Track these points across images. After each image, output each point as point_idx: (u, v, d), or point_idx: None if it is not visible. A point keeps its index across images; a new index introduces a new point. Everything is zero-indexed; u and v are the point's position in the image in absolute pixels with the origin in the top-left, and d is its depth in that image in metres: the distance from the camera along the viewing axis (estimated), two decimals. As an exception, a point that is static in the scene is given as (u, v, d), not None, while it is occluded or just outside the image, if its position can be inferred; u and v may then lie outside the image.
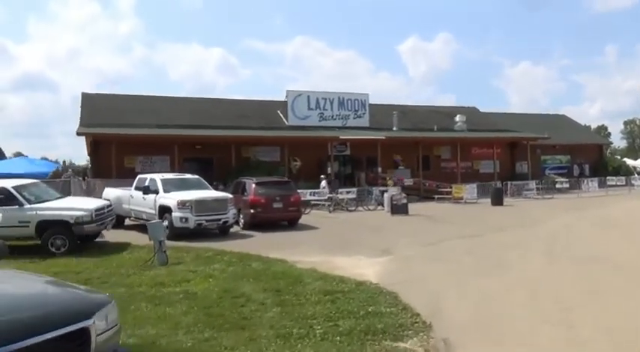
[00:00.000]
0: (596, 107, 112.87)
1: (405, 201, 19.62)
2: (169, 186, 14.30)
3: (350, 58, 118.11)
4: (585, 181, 29.21)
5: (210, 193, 14.13)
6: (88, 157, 27.29)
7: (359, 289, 7.23)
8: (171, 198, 13.55)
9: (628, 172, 36.50)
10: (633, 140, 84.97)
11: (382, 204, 21.59)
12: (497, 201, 23.43)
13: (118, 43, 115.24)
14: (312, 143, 28.71)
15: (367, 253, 11.05)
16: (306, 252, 11.37)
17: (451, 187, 25.81)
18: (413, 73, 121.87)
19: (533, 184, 27.97)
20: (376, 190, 23.69)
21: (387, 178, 26.87)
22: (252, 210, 15.26)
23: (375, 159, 29.05)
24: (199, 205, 13.44)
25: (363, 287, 7.33)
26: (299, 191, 23.03)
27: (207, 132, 26.28)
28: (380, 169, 29.07)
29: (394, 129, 31.82)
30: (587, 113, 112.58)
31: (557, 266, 9.21)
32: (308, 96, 31.02)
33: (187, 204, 13.30)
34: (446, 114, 35.76)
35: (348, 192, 22.57)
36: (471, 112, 36.95)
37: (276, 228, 15.40)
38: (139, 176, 15.70)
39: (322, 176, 24.56)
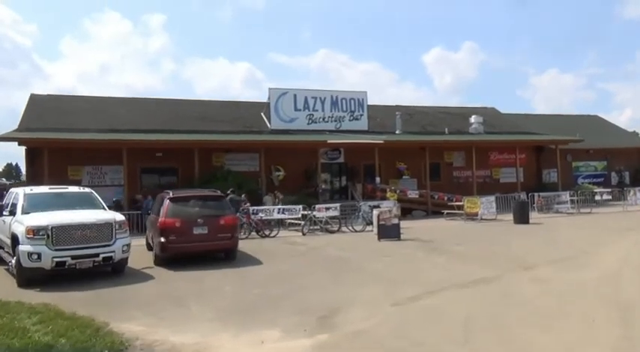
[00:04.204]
0: (626, 114, 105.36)
1: (396, 221, 14.73)
2: (35, 204, 9.65)
3: (374, 70, 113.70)
4: (632, 192, 23.73)
5: (83, 215, 9.32)
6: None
7: None
8: (21, 224, 8.97)
9: (677, 181, 30.83)
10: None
11: (372, 224, 16.79)
12: (522, 217, 18.31)
13: (148, 58, 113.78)
14: (297, 149, 24.27)
15: (293, 323, 6.34)
16: (194, 318, 6.75)
17: (462, 200, 20.73)
18: (438, 83, 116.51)
19: (566, 196, 22.60)
20: (365, 205, 18.75)
21: (389, 190, 22.12)
22: (162, 239, 10.52)
23: (374, 167, 24.31)
24: (61, 233, 8.75)
25: None
26: (267, 207, 18.63)
27: (167, 136, 21.87)
28: (379, 179, 24.33)
29: (397, 132, 26.97)
30: (617, 121, 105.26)
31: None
32: (295, 95, 26.44)
33: (42, 233, 8.67)
34: (459, 115, 30.72)
35: (327, 209, 17.66)
36: (488, 113, 31.76)
37: (202, 263, 10.71)
38: (11, 189, 11.21)
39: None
